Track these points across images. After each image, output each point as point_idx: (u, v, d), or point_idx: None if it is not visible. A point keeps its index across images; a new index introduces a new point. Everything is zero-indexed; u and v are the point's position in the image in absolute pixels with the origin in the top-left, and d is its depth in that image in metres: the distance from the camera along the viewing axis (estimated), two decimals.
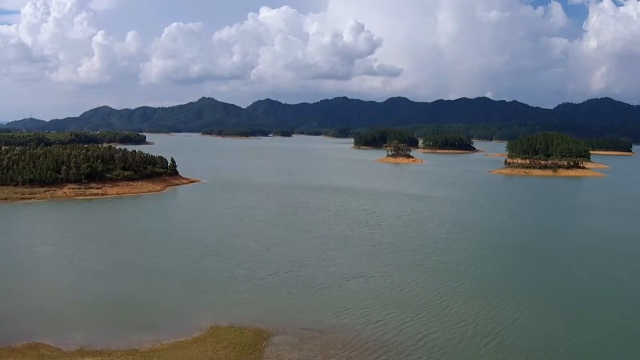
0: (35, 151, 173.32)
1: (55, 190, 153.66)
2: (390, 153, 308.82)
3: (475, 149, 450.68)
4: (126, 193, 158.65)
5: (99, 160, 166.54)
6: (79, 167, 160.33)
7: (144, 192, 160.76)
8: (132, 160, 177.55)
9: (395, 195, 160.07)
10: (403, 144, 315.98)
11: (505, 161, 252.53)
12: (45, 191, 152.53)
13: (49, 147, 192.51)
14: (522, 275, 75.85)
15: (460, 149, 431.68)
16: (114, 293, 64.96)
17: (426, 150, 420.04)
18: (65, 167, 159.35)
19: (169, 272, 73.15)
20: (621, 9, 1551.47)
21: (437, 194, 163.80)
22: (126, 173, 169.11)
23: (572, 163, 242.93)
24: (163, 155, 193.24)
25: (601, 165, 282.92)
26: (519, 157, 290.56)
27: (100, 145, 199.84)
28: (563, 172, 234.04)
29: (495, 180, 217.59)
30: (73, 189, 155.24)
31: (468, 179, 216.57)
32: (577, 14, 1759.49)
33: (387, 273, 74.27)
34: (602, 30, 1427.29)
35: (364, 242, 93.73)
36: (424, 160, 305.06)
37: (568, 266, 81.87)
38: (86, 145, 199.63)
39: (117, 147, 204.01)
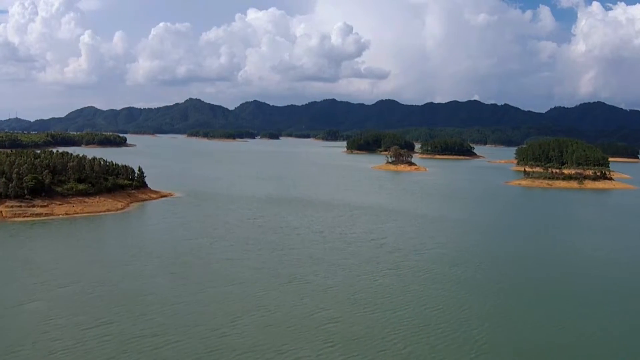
0: None
1: None
2: (390, 159, 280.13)
3: (475, 154, 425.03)
4: (78, 213, 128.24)
5: (46, 171, 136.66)
6: (21, 179, 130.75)
7: (100, 212, 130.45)
8: (89, 170, 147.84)
9: (406, 215, 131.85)
10: (404, 150, 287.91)
11: (524, 171, 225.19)
12: None
13: None
14: None
15: (460, 155, 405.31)
16: None
17: (424, 156, 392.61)
18: (4, 180, 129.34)
19: None
20: (610, 13, 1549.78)
21: (456, 215, 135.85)
22: (81, 186, 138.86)
23: (598, 173, 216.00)
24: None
25: (621, 174, 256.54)
26: (529, 164, 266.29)
27: (55, 151, 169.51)
28: (589, 184, 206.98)
29: (516, 194, 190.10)
30: (12, 207, 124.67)
31: (484, 192, 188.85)
32: (566, 18, 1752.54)
33: None
34: (590, 35, 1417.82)
35: (381, 306, 64.41)
36: (427, 168, 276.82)
37: None
38: (38, 151, 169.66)
39: (76, 153, 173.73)
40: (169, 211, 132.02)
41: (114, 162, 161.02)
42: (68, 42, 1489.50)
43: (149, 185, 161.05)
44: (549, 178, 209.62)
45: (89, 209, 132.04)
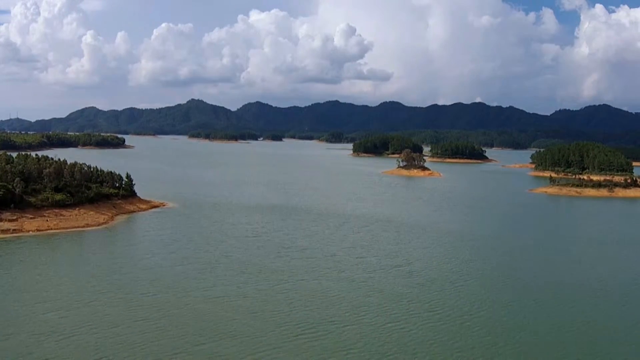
0: None
1: None
2: (401, 164, 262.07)
3: (487, 158, 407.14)
4: (52, 229, 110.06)
5: (18, 179, 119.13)
6: None
7: (79, 227, 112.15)
8: (69, 178, 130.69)
9: (430, 231, 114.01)
10: (417, 154, 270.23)
11: (550, 177, 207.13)
12: None
13: None
14: None
15: (471, 158, 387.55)
16: None
17: (434, 159, 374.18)
18: None
19: None
20: (613, 15, 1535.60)
21: (487, 230, 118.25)
22: (58, 197, 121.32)
23: (629, 180, 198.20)
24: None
25: None
26: (555, 170, 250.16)
27: (33, 155, 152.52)
28: (620, 192, 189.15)
29: (546, 204, 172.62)
30: None
31: (510, 202, 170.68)
32: (569, 21, 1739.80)
33: None
34: (593, 37, 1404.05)
35: None
36: (441, 173, 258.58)
37: None
38: (13, 155, 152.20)
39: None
40: (158, 226, 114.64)
41: (98, 168, 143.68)
42: (70, 43, 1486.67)
43: (139, 194, 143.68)
44: (577, 185, 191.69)
45: (66, 223, 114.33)
